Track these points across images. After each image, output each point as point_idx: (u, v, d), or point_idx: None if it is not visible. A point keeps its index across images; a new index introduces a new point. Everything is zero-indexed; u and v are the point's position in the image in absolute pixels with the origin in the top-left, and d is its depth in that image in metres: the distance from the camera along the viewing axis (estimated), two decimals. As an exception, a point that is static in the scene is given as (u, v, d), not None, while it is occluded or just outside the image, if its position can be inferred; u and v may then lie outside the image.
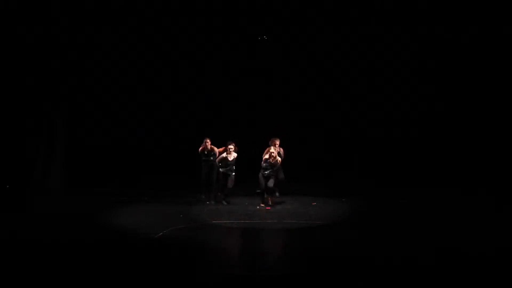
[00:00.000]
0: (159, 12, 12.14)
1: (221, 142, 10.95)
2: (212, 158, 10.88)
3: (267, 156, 10.24)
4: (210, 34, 12.78)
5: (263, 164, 10.27)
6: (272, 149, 10.25)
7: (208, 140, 10.92)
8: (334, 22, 12.35)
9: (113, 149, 13.40)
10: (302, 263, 6.94)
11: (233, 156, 10.60)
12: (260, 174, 10.32)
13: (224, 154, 10.61)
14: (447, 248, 7.21)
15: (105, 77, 13.00)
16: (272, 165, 10.21)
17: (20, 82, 11.89)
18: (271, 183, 10.26)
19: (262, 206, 10.29)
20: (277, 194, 11.01)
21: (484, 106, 11.80)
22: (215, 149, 10.94)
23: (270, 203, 10.39)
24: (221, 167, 10.61)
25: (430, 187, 11.61)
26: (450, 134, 12.28)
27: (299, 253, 7.50)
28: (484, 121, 11.81)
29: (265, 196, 10.40)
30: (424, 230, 8.30)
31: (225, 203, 10.65)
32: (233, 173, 10.59)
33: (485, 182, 11.29)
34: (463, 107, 12.07)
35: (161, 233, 8.09)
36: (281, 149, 10.80)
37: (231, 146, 10.58)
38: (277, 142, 10.64)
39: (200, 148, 10.95)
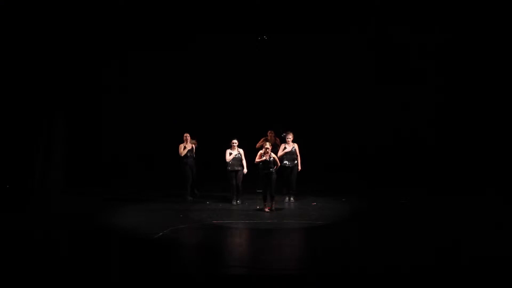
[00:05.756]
0: (157, 12, 12.14)
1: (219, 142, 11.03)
2: (193, 158, 11.10)
3: (262, 151, 10.05)
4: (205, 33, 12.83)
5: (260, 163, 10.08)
6: (267, 144, 10.17)
7: (187, 135, 11.09)
8: (339, 25, 12.38)
9: (113, 150, 13.40)
10: (303, 263, 6.95)
11: (237, 150, 10.68)
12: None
13: (229, 150, 10.68)
14: (448, 248, 7.21)
15: (105, 77, 13.01)
16: (267, 162, 10.01)
17: (20, 82, 11.88)
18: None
19: (265, 210, 10.08)
20: (288, 198, 10.95)
21: (486, 107, 11.78)
22: (194, 145, 11.17)
23: (270, 206, 10.12)
24: (231, 165, 10.64)
25: (429, 187, 11.59)
26: (450, 134, 12.26)
27: (299, 253, 7.51)
28: (485, 122, 11.78)
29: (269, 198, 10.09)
30: (424, 230, 8.29)
31: (239, 202, 10.73)
32: (242, 169, 10.69)
33: (484, 182, 11.27)
34: (465, 108, 12.05)
35: (161, 233, 8.10)
36: (296, 145, 10.85)
37: (235, 141, 10.69)
38: (290, 136, 10.72)
39: (181, 145, 11.12)
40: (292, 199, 10.94)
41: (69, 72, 12.37)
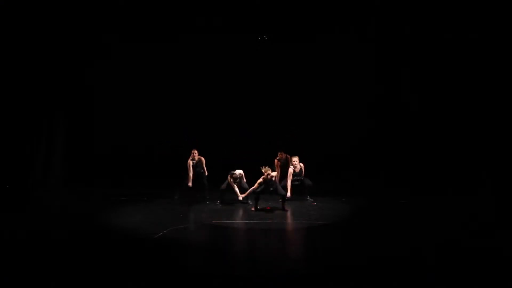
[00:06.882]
0: (157, 15, 12.14)
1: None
2: (200, 169, 11.21)
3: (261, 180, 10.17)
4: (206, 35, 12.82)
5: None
6: (268, 170, 10.24)
7: (195, 151, 11.24)
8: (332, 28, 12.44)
9: (114, 150, 13.40)
10: (303, 263, 6.95)
11: (238, 172, 10.84)
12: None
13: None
14: (447, 248, 7.23)
15: (105, 77, 13.01)
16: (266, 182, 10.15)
17: (20, 82, 11.89)
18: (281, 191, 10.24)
19: (251, 209, 10.24)
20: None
21: (481, 107, 11.77)
22: (203, 159, 11.29)
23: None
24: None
25: (429, 187, 11.58)
26: (449, 133, 12.26)
27: (299, 253, 7.51)
28: (484, 120, 11.77)
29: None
30: (424, 230, 8.30)
31: (250, 202, 10.74)
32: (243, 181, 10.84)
33: (484, 183, 11.27)
34: (461, 108, 12.06)
35: (161, 233, 8.10)
36: (302, 164, 11.08)
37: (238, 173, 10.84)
38: (296, 159, 10.98)
39: (189, 160, 11.20)
40: (309, 198, 11.05)
41: (69, 72, 12.37)
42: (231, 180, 10.76)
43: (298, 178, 10.99)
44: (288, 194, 10.64)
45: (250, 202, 10.69)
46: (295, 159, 11.02)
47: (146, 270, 6.31)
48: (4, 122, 11.89)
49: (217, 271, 6.39)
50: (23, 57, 11.73)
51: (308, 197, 11.06)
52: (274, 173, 10.28)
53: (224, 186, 10.77)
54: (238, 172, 10.85)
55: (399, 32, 12.35)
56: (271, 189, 10.12)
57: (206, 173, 11.33)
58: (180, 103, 13.57)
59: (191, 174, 11.11)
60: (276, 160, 11.51)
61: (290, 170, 10.95)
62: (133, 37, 12.58)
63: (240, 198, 10.73)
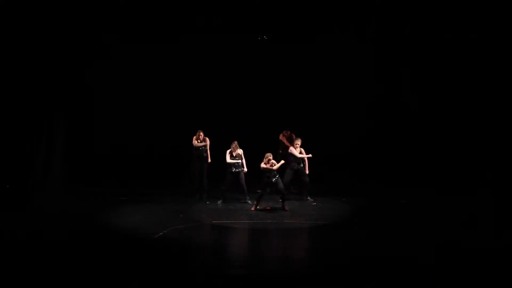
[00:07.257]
0: (157, 15, 12.14)
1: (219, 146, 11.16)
2: (205, 149, 11.21)
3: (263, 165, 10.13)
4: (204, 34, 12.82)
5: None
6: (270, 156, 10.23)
7: (201, 132, 11.28)
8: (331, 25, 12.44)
9: (114, 150, 13.39)
10: (303, 263, 6.96)
11: (238, 152, 10.72)
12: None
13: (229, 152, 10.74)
14: (447, 247, 7.23)
15: (105, 77, 12.99)
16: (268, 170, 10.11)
17: (20, 82, 11.87)
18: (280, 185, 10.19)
19: (251, 208, 10.23)
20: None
21: (481, 108, 11.77)
22: (208, 140, 11.31)
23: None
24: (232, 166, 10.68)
25: (429, 187, 11.57)
26: (449, 134, 12.26)
27: (299, 254, 7.52)
28: (484, 120, 11.78)
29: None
30: (424, 230, 8.30)
31: (249, 201, 10.68)
32: (243, 169, 10.72)
33: (485, 183, 11.27)
34: (463, 107, 12.06)
35: (161, 233, 8.10)
36: (302, 149, 11.09)
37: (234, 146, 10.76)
38: (298, 142, 11.06)
39: (194, 138, 11.23)
40: (309, 198, 11.04)
41: (69, 72, 12.35)
42: (234, 147, 10.68)
43: (299, 160, 10.98)
44: (310, 154, 10.94)
45: (250, 202, 10.68)
46: (298, 142, 11.07)
47: (146, 270, 6.31)
48: (4, 122, 11.87)
49: (217, 271, 6.39)
50: (23, 57, 11.71)
51: (308, 197, 11.06)
52: (277, 165, 10.23)
53: (224, 186, 10.75)
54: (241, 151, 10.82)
55: (399, 32, 12.37)
56: (269, 189, 10.10)
57: (209, 159, 11.29)
58: (180, 103, 13.56)
59: (199, 144, 11.16)
60: (281, 135, 11.80)
61: (292, 148, 11.01)
62: (133, 37, 12.56)
63: (245, 169, 10.71)
